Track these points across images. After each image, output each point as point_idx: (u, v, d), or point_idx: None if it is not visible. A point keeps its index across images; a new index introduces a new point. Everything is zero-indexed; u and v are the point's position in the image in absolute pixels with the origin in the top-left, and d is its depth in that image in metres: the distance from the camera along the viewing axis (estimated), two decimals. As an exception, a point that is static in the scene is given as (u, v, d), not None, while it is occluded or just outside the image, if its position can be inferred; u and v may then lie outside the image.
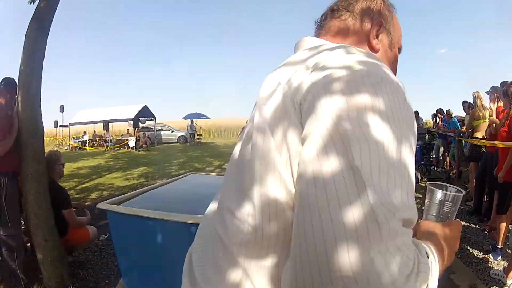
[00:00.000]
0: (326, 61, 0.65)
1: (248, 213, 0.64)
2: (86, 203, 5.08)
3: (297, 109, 0.62)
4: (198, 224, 2.22)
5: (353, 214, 0.49)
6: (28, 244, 3.86)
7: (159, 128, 27.36)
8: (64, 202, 3.66)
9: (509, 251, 4.02)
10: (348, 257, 0.48)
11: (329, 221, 0.50)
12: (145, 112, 25.32)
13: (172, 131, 27.16)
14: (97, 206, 2.88)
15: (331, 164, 0.53)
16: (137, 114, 23.87)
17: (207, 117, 29.63)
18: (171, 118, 28.79)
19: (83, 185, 8.87)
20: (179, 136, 26.78)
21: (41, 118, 3.48)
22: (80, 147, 24.31)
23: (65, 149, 23.62)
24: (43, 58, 3.50)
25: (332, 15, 0.92)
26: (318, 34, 0.95)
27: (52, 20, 3.57)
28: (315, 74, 0.63)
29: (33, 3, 4.15)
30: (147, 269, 2.69)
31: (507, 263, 3.54)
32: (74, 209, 3.91)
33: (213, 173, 4.78)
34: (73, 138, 26.55)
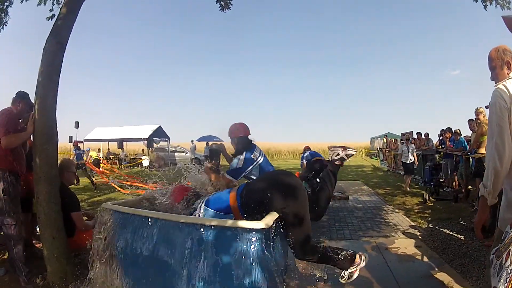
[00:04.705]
0: None
1: None
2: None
3: None
4: (188, 223, 2.57)
5: None
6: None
7: (173, 149, 27.60)
8: (74, 206, 3.89)
9: None
10: None
11: None
12: (159, 133, 25.76)
13: (186, 153, 27.18)
14: (102, 205, 3.12)
15: None
16: (151, 135, 24.29)
17: (220, 140, 29.78)
18: (185, 140, 29.07)
19: (95, 199, 9.12)
20: (193, 158, 26.97)
21: (56, 127, 3.74)
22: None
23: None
24: (60, 72, 3.79)
25: None
26: None
27: (69, 37, 3.87)
28: None
29: (51, 20, 4.47)
30: (146, 271, 2.85)
31: None
32: (85, 218, 4.14)
33: None
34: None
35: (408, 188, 10.54)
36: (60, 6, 3.96)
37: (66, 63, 3.81)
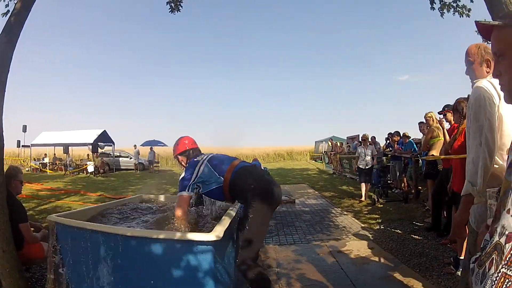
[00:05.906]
0: None
1: None
2: (44, 224, 5.01)
3: None
4: (136, 236, 2.49)
5: None
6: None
7: (118, 154, 26.92)
8: (21, 216, 3.66)
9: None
10: None
11: None
12: (104, 138, 24.90)
13: (130, 158, 26.57)
14: (47, 218, 2.97)
15: None
16: (96, 139, 23.40)
17: (164, 145, 29.19)
18: (130, 144, 28.40)
19: (42, 207, 8.65)
20: (138, 163, 26.18)
21: (2, 131, 3.48)
22: (40, 169, 23.85)
23: (27, 171, 22.87)
24: (8, 72, 3.53)
25: None
26: None
27: (19, 35, 3.63)
28: None
29: (5, 16, 4.21)
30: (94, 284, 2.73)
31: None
32: (32, 229, 3.92)
33: (162, 196, 4.72)
34: (34, 159, 25.77)
35: (364, 198, 9.27)
36: (15, 1, 3.72)
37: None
